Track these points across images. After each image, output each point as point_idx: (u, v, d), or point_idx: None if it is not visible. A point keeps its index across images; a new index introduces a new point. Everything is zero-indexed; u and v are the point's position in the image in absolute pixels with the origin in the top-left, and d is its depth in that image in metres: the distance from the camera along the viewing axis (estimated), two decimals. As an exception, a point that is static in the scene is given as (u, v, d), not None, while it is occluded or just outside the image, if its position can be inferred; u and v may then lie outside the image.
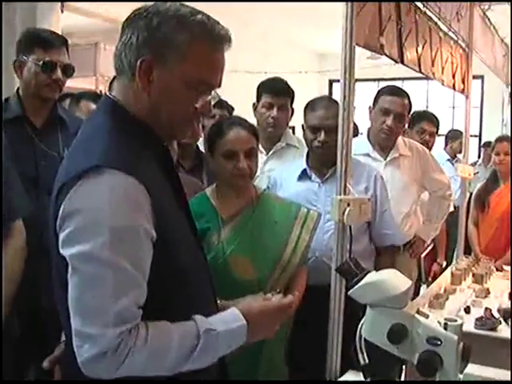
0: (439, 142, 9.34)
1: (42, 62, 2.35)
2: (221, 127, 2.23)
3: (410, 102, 3.29)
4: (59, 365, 1.63)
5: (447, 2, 3.24)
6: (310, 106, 2.67)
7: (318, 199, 2.59)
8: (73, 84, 3.59)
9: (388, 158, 3.26)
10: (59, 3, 5.84)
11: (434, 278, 4.20)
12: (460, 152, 6.51)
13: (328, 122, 2.49)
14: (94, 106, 3.29)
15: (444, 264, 4.56)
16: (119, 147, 1.30)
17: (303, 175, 2.69)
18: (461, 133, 6.95)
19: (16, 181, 2.09)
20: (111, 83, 2.28)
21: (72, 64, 2.45)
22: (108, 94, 1.43)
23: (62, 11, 5.93)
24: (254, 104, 3.22)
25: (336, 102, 2.43)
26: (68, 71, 2.44)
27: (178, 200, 1.47)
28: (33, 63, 2.36)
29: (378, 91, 3.34)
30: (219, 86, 1.43)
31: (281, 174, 2.82)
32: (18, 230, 2.14)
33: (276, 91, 3.14)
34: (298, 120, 5.61)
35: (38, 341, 2.08)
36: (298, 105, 4.95)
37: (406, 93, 3.31)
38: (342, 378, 2.04)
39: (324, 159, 2.57)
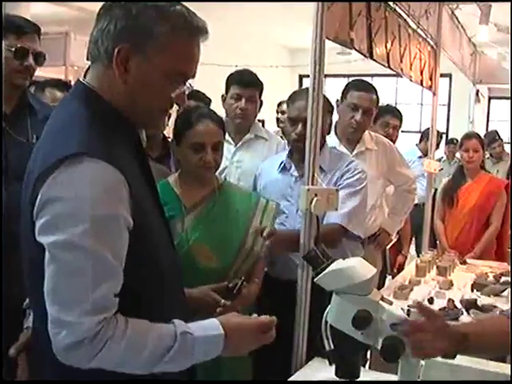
0: (412, 138, 9.52)
1: (14, 49, 2.33)
2: (189, 118, 2.21)
3: (377, 97, 3.32)
4: (26, 352, 1.62)
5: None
6: (291, 98, 2.67)
7: (292, 194, 2.56)
8: (42, 73, 3.56)
9: (354, 152, 3.28)
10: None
11: (399, 269, 4.29)
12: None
13: (306, 113, 2.44)
14: (59, 94, 3.27)
15: (408, 255, 4.64)
16: (97, 136, 1.30)
17: (284, 168, 2.68)
18: (438, 132, 7.10)
19: None
20: (86, 71, 2.29)
21: (43, 52, 2.43)
22: (82, 80, 1.42)
23: (31, -1, 5.89)
24: (222, 96, 3.23)
25: None
26: (39, 59, 2.42)
27: (151, 188, 1.48)
28: (5, 49, 2.34)
29: (346, 85, 3.35)
30: (193, 76, 1.44)
31: (265, 164, 2.82)
32: None
33: (244, 83, 3.15)
34: (268, 114, 5.67)
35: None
36: (269, 99, 4.98)
37: (373, 88, 3.33)
38: (308, 365, 2.07)
39: (302, 152, 2.51)
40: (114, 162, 1.25)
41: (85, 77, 1.44)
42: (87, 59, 1.42)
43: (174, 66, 1.37)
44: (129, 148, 1.40)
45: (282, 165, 2.68)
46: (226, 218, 2.24)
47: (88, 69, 1.45)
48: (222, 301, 2.04)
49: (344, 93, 3.29)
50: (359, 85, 3.31)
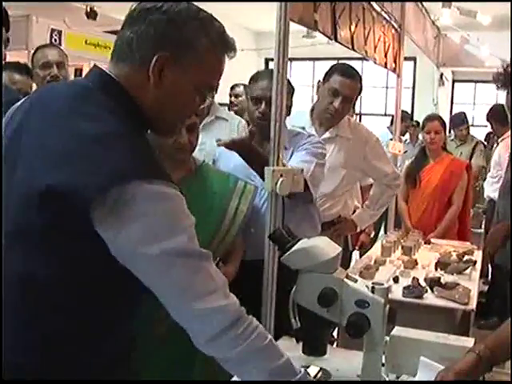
0: (378, 121, 9.60)
1: None
2: None
3: (361, 84, 3.20)
4: None
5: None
6: (253, 78, 2.63)
7: (256, 174, 2.49)
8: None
9: (323, 137, 3.13)
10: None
11: (361, 247, 4.34)
12: (404, 134, 6.70)
13: (270, 93, 2.34)
14: (18, 77, 3.23)
15: (372, 234, 4.64)
16: (147, 150, 1.32)
17: None
18: (408, 114, 7.16)
19: None
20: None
21: (8, 36, 2.39)
22: (106, 71, 1.36)
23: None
24: None
25: None
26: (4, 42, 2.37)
27: None
28: None
29: (331, 67, 3.18)
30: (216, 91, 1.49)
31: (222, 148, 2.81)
32: None
33: None
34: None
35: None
36: (234, 82, 4.95)
37: (358, 75, 3.19)
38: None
39: (265, 132, 2.50)
40: (171, 184, 1.28)
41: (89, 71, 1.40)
42: (111, 57, 1.38)
43: (206, 80, 1.39)
44: None
45: None
46: (203, 199, 2.24)
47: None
48: None
49: (327, 75, 3.14)
50: (344, 70, 3.13)
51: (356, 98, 3.27)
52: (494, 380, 1.81)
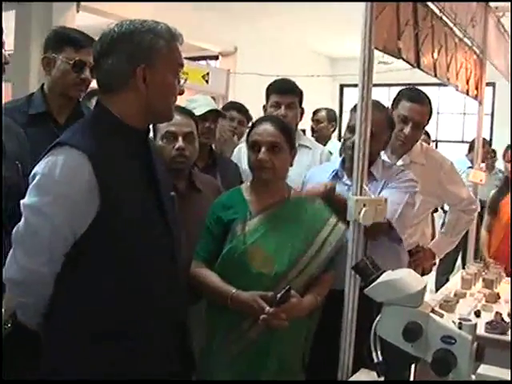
0: (455, 148, 9.38)
1: (73, 61, 2.38)
2: None
3: (431, 108, 3.13)
4: None
5: (462, 8, 3.25)
6: (355, 107, 2.62)
7: None
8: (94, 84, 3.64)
9: (397, 164, 3.05)
10: (75, 3, 5.92)
11: (423, 274, 4.15)
12: (484, 160, 6.50)
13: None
14: None
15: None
16: (88, 135, 1.68)
17: (336, 175, 2.63)
18: (486, 141, 6.98)
19: None
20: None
21: None
22: (100, 102, 1.76)
23: (78, 11, 6.01)
24: (264, 106, 3.24)
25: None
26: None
27: (149, 184, 1.77)
28: (63, 62, 2.39)
29: (398, 93, 3.15)
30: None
31: (314, 172, 2.80)
32: None
33: (283, 90, 3.15)
34: (309, 124, 5.62)
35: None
36: (310, 109, 4.95)
37: (427, 98, 3.13)
38: (354, 377, 2.06)
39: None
40: (87, 151, 1.60)
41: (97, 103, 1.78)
42: (100, 91, 1.78)
43: (176, 66, 1.77)
44: (130, 155, 1.72)
45: (334, 173, 2.64)
46: (289, 227, 2.24)
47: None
48: (267, 308, 2.04)
49: (395, 101, 3.10)
50: (412, 95, 3.08)
51: (427, 123, 3.18)
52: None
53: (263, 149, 2.23)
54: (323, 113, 5.34)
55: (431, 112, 3.15)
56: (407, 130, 3.01)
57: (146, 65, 1.67)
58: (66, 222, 1.61)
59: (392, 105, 3.12)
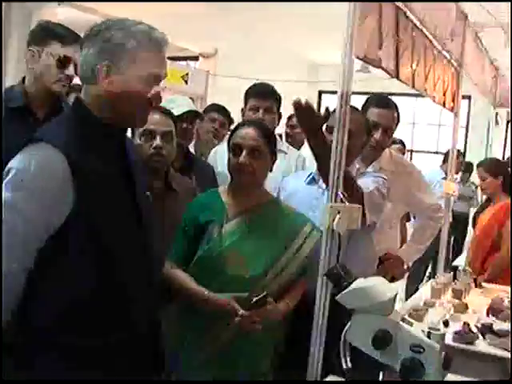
0: (429, 158, 9.48)
1: (57, 57, 2.35)
2: None
3: (398, 114, 3.20)
4: None
5: (443, 19, 3.29)
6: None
7: (318, 205, 2.48)
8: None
9: (367, 170, 3.04)
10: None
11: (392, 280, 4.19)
12: (457, 172, 6.60)
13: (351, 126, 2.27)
14: None
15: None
16: (64, 131, 1.67)
17: (312, 179, 2.66)
18: (461, 153, 7.09)
19: None
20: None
21: None
22: (79, 96, 1.75)
23: (59, 4, 5.96)
24: (242, 109, 3.24)
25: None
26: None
27: (126, 185, 1.77)
28: (48, 56, 2.35)
29: (366, 101, 3.21)
30: (165, 77, 1.75)
31: (290, 178, 2.83)
32: None
33: (262, 94, 3.15)
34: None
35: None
36: (288, 114, 4.95)
37: (394, 104, 3.20)
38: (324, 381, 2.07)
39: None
40: (62, 148, 1.59)
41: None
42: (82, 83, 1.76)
43: (144, 72, 1.68)
44: (104, 151, 1.71)
45: (311, 176, 2.66)
46: (265, 231, 2.25)
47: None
48: (241, 311, 2.05)
49: (364, 109, 3.13)
50: (379, 101, 3.16)
51: (395, 128, 3.24)
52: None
53: (244, 152, 2.23)
54: None
55: (399, 118, 3.22)
56: (377, 135, 3.06)
57: (110, 62, 1.65)
58: (41, 217, 1.59)
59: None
